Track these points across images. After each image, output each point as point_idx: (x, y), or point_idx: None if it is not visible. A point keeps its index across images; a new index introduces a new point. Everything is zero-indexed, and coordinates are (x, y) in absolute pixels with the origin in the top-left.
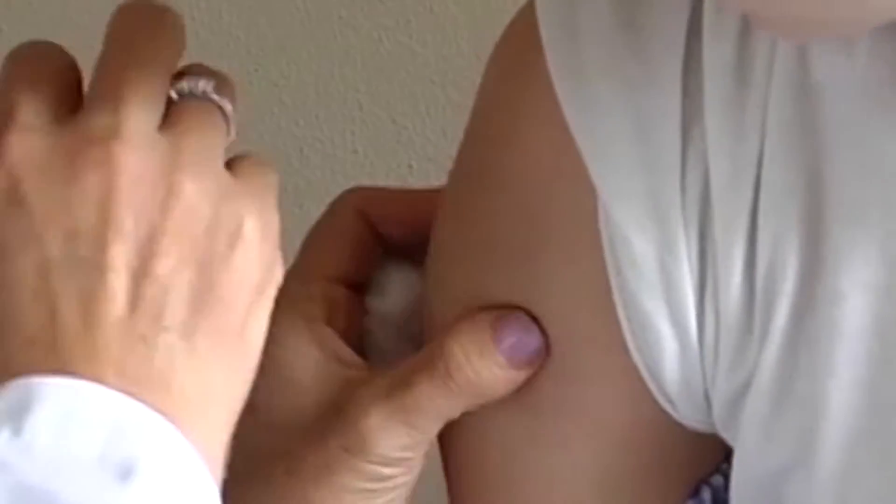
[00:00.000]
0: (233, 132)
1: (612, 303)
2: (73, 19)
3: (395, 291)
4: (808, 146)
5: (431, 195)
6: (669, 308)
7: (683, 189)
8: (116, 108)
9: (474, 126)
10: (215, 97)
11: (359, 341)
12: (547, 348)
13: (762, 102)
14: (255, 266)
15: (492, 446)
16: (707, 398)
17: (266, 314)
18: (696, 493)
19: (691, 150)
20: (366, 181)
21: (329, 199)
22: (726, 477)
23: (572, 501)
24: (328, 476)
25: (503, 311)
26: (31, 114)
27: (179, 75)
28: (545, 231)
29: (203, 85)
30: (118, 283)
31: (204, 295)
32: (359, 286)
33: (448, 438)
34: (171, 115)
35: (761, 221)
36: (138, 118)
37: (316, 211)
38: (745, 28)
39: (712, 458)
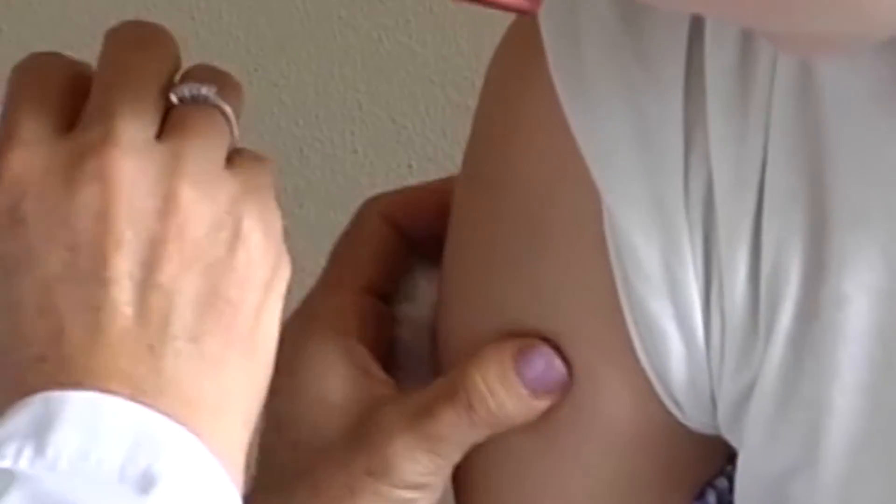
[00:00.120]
0: (236, 134)
1: (619, 305)
2: (73, 19)
3: (424, 296)
4: (812, 149)
5: (449, 186)
6: (676, 310)
7: (687, 192)
8: (108, 119)
9: (477, 129)
10: (216, 101)
11: (388, 351)
12: (570, 378)
13: (765, 105)
14: (260, 265)
15: (505, 461)
16: (713, 399)
17: (277, 312)
18: (700, 495)
19: (694, 154)
20: (366, 181)
21: (329, 199)
22: (731, 480)
23: None
24: (351, 498)
25: (526, 340)
26: (31, 130)
27: (181, 80)
28: (549, 233)
29: (204, 90)
30: (121, 294)
31: (210, 298)
32: (386, 296)
33: None
34: (171, 121)
35: (765, 224)
36: (131, 127)
37: (316, 211)
38: (748, 31)
39: (717, 460)
